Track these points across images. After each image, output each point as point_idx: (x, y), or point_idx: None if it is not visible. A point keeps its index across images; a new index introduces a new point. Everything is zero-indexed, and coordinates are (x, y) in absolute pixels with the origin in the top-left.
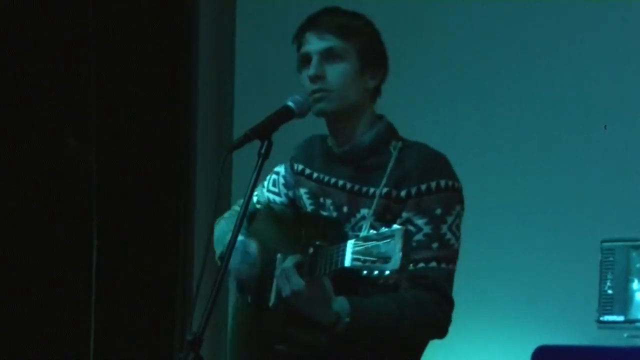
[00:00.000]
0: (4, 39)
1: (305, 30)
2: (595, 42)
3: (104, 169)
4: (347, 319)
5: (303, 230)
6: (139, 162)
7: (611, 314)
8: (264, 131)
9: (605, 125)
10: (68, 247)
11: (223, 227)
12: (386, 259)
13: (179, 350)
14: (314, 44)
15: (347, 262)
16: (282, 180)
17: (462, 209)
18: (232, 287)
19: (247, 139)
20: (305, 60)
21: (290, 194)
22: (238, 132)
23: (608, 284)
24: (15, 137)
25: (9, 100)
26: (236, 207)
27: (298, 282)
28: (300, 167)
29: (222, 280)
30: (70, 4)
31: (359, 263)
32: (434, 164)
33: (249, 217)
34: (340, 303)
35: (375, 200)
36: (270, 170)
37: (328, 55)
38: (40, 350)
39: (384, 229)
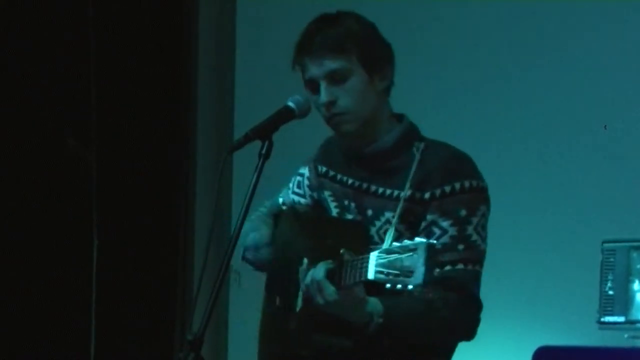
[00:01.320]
0: (4, 39)
1: (302, 56)
2: (596, 42)
3: (104, 169)
4: (380, 320)
5: (328, 234)
6: (139, 162)
7: (612, 314)
8: (265, 131)
9: (605, 125)
10: (68, 247)
11: (246, 229)
12: (409, 273)
13: (179, 350)
14: (316, 69)
15: (371, 275)
16: (306, 182)
17: (488, 208)
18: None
19: (247, 139)
20: (312, 85)
21: (315, 195)
22: (238, 132)
23: (609, 284)
24: (15, 137)
25: (9, 100)
26: (262, 209)
27: (331, 292)
28: (324, 169)
29: (222, 280)
30: (70, 4)
31: (382, 276)
32: (457, 165)
33: (276, 218)
34: (374, 304)
35: (400, 204)
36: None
37: (333, 78)
38: (40, 350)
39: (406, 242)
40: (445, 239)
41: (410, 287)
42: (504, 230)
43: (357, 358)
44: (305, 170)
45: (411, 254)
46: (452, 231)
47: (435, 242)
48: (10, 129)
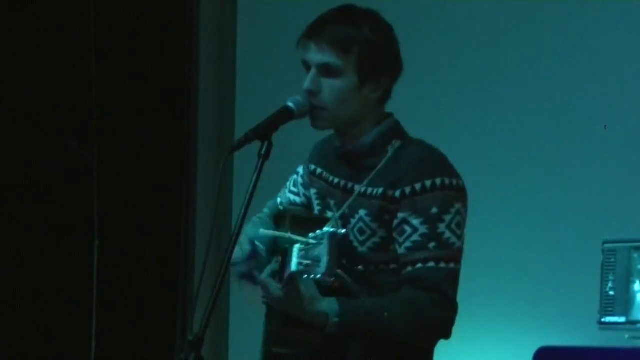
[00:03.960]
0: (4, 39)
1: (308, 37)
2: (596, 42)
3: (104, 169)
4: (336, 319)
5: (303, 232)
6: (139, 162)
7: (612, 315)
8: (265, 132)
9: (606, 125)
10: (69, 247)
11: (246, 231)
12: (318, 263)
13: (180, 351)
14: (313, 55)
15: (294, 267)
16: (300, 180)
17: (464, 206)
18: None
19: (247, 139)
20: (305, 67)
21: (307, 193)
22: (239, 132)
23: (609, 285)
24: (15, 137)
25: (10, 100)
26: (265, 210)
27: (275, 288)
28: (313, 166)
29: (223, 280)
30: (70, 4)
31: (302, 267)
32: (429, 163)
33: (276, 220)
34: (329, 303)
35: (352, 197)
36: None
37: (325, 71)
38: (41, 351)
39: (318, 232)
40: (416, 237)
41: (318, 276)
42: (506, 230)
43: (327, 353)
44: (300, 169)
45: (321, 244)
46: (422, 229)
47: (343, 231)
48: (11, 129)
